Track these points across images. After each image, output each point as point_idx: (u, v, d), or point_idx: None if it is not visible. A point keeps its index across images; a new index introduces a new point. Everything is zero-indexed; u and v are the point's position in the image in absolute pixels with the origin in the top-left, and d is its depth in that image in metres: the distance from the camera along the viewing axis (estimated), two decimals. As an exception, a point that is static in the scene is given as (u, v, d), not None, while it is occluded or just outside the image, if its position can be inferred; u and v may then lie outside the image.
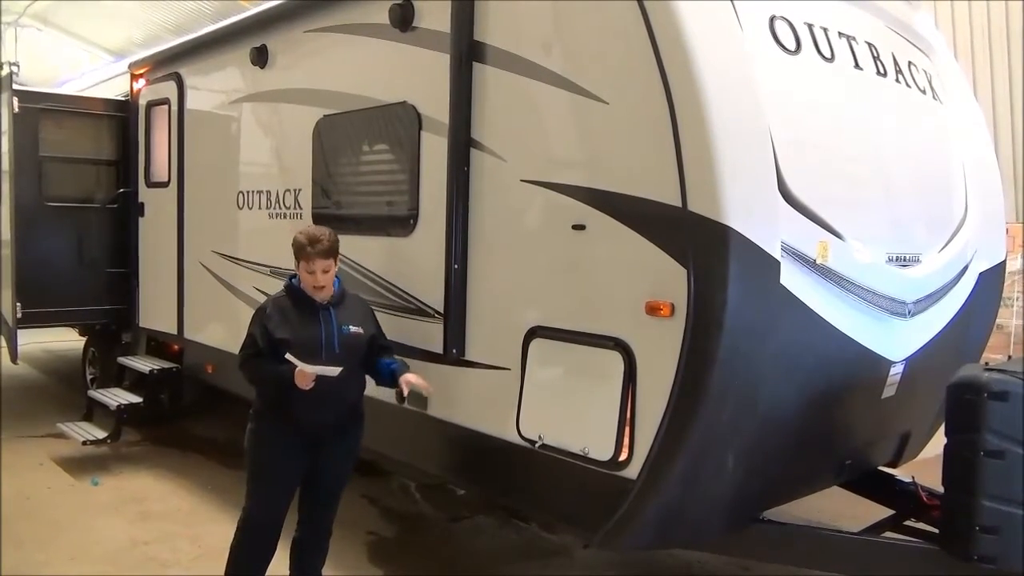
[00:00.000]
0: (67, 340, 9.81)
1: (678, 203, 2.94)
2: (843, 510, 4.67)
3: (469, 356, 3.85)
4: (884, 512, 4.17)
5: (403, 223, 4.21)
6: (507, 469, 3.73)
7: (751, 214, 2.89)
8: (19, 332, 7.05)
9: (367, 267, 4.45)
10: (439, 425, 4.02)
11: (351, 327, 3.61)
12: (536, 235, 3.56)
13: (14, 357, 7.17)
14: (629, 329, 3.11)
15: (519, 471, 3.65)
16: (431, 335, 3.91)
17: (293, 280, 3.67)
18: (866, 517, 4.16)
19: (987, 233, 4.39)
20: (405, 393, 3.61)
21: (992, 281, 4.45)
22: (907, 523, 4.03)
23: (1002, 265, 4.55)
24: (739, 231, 2.84)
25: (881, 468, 4.34)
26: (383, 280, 4.36)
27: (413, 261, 4.19)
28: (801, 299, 3.12)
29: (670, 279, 2.97)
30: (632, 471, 3.13)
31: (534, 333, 3.52)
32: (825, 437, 3.62)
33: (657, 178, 3.02)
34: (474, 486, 4.20)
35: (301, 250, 3.52)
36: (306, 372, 3.34)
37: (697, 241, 2.90)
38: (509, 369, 3.64)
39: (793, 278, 3.07)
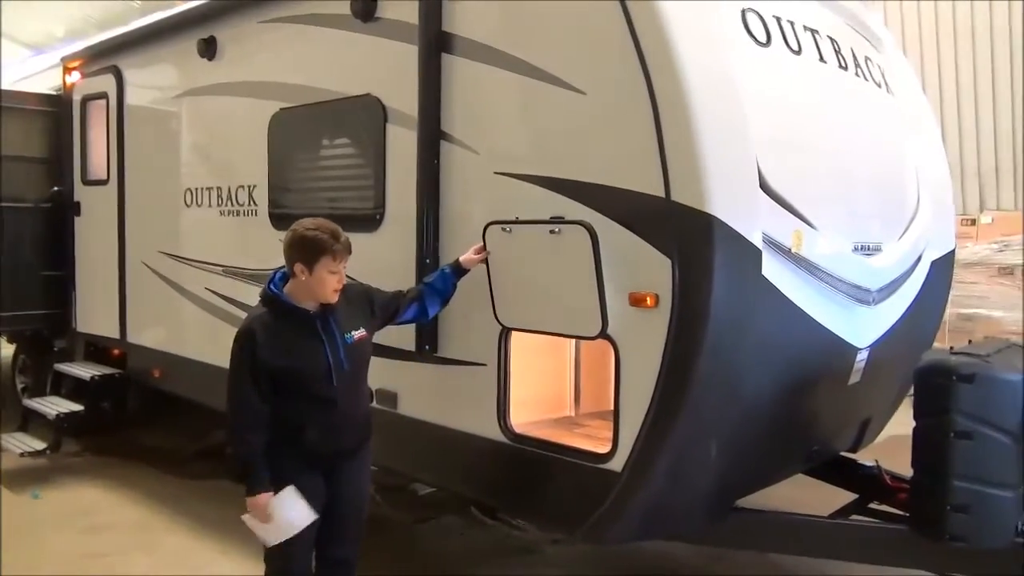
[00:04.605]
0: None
1: (661, 193, 2.93)
2: (797, 496, 4.74)
3: (443, 353, 3.78)
4: (837, 496, 4.23)
5: (369, 218, 4.11)
6: (485, 466, 3.67)
7: (734, 204, 2.91)
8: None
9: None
10: (411, 424, 3.94)
11: (354, 332, 3.11)
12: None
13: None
14: (613, 319, 3.09)
15: (498, 468, 3.60)
16: (403, 332, 3.82)
17: (273, 288, 3.07)
18: (824, 502, 4.24)
19: (938, 223, 4.53)
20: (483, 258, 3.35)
21: (943, 270, 4.60)
22: (871, 506, 4.13)
23: (952, 254, 4.71)
24: (724, 221, 2.85)
25: (842, 454, 4.44)
26: (347, 277, 4.23)
27: (379, 257, 4.08)
28: (779, 288, 3.15)
29: (654, 270, 2.96)
30: (616, 464, 3.12)
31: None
32: (797, 424, 3.67)
33: (639, 168, 3.00)
34: (449, 485, 4.12)
35: (324, 248, 2.95)
36: (263, 510, 2.96)
37: (681, 231, 2.90)
38: (485, 364, 3.59)
39: (771, 267, 3.10)
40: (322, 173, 4.54)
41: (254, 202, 4.96)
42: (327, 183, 4.49)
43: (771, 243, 3.11)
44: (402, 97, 3.89)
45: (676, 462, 3.08)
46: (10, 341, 8.28)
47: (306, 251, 2.99)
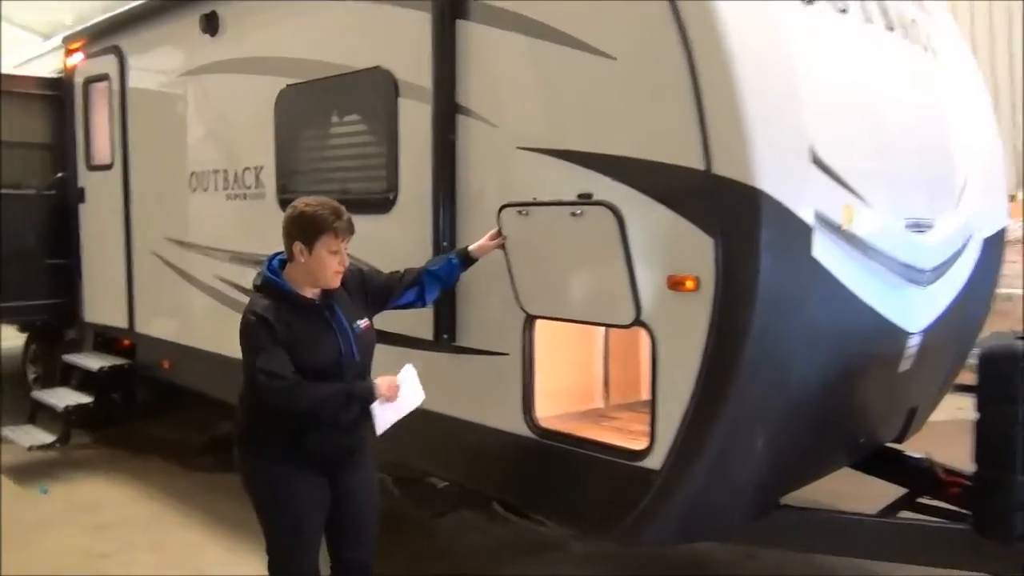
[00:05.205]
0: (8, 338, 9.17)
1: (701, 166, 2.66)
2: (838, 489, 4.47)
3: (462, 341, 3.54)
4: (868, 484, 3.99)
5: (381, 199, 3.87)
6: (509, 464, 3.43)
7: (783, 176, 2.64)
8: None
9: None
10: (429, 417, 3.69)
11: (360, 322, 2.90)
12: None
13: (-54, 359, 6.60)
14: (648, 306, 2.83)
15: (523, 466, 3.37)
16: (419, 320, 3.58)
17: (272, 277, 2.81)
18: (861, 494, 3.98)
19: (989, 198, 4.22)
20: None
21: (994, 248, 4.29)
22: (921, 501, 3.87)
23: (1003, 232, 4.41)
24: (771, 195, 2.58)
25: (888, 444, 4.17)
26: (360, 262, 3.98)
27: (393, 240, 3.85)
28: (828, 268, 2.88)
29: (694, 250, 2.70)
30: (654, 461, 2.87)
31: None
32: (845, 415, 3.41)
33: (675, 139, 2.74)
34: (471, 484, 3.89)
35: (324, 225, 2.73)
36: (395, 387, 2.80)
37: (725, 207, 2.63)
38: (507, 354, 3.35)
39: (821, 245, 2.82)
40: (331, 153, 4.29)
41: (261, 185, 4.72)
42: (336, 163, 4.24)
43: (821, 219, 2.83)
44: (415, 69, 3.63)
45: (719, 459, 2.83)
46: (21, 330, 8.14)
47: (305, 229, 2.77)
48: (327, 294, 2.85)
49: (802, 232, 2.70)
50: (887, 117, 3.51)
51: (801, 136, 2.76)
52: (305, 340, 2.75)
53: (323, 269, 2.78)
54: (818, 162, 2.84)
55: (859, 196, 3.06)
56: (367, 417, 2.87)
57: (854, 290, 3.04)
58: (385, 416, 2.82)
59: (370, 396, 2.78)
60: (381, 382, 2.80)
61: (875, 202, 3.17)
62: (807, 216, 2.71)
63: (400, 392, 2.82)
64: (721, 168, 2.62)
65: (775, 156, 2.63)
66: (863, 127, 3.28)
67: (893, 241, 3.29)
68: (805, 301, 2.78)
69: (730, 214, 2.62)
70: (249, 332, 2.75)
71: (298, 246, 2.77)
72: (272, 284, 2.81)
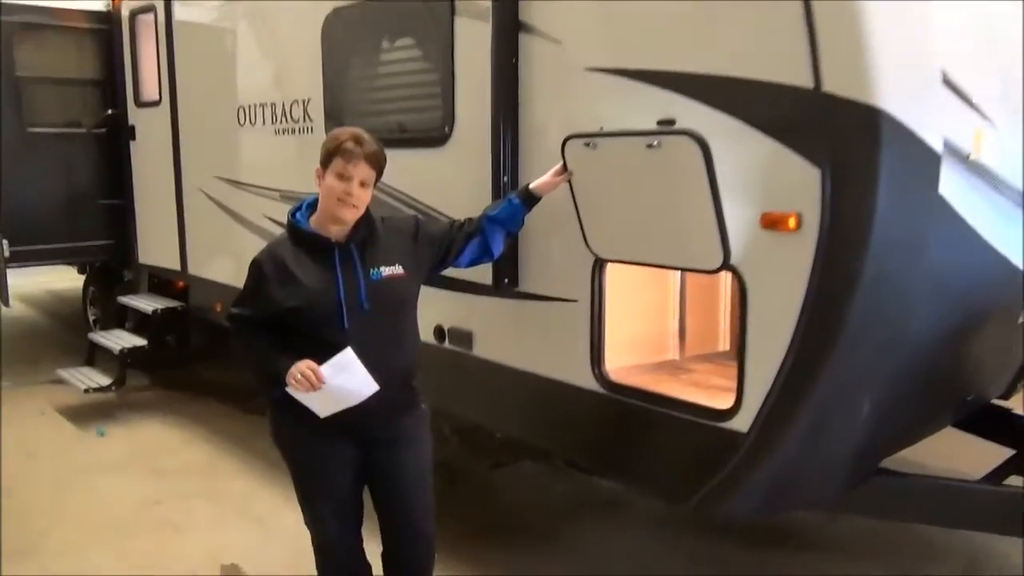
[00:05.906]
0: (72, 279, 9.25)
1: (808, 84, 2.26)
2: (935, 449, 4.09)
3: (525, 287, 3.24)
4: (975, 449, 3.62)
5: (435, 131, 3.55)
6: (575, 420, 3.15)
7: (907, 94, 2.22)
8: (8, 272, 6.45)
9: (392, 185, 3.80)
10: (488, 368, 3.44)
11: (385, 268, 2.61)
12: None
13: (5, 299, 6.59)
14: (738, 247, 2.47)
15: (590, 423, 3.08)
16: (478, 263, 3.29)
17: (297, 216, 2.66)
18: (962, 457, 3.60)
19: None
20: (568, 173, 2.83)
21: None
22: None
23: None
24: (894, 116, 2.18)
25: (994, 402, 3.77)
26: (413, 200, 3.72)
27: (449, 176, 3.55)
28: (953, 205, 2.46)
29: (797, 183, 2.32)
30: (741, 423, 2.55)
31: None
32: (957, 372, 3.03)
33: (776, 52, 2.33)
34: (533, 440, 3.63)
35: (336, 146, 2.52)
36: (311, 376, 2.43)
37: (836, 132, 2.23)
38: (576, 301, 3.04)
39: (948, 178, 2.41)
40: (381, 82, 3.96)
41: (309, 118, 4.44)
42: (387, 93, 3.91)
43: (950, 147, 2.41)
44: (472, -16, 3.27)
45: (816, 424, 2.49)
46: (80, 272, 8.16)
47: (324, 151, 2.59)
48: (354, 235, 2.60)
49: (930, 162, 2.29)
50: (1006, 27, 3.01)
51: (929, 48, 2.33)
52: (302, 282, 2.54)
53: (328, 194, 2.55)
54: (948, 82, 2.40)
55: (989, 120, 2.62)
56: (397, 377, 2.63)
57: (980, 230, 2.62)
58: (319, 403, 2.52)
59: (278, 379, 2.49)
60: (294, 368, 2.44)
61: (1005, 126, 2.72)
62: (935, 143, 2.30)
63: (332, 380, 2.46)
64: (833, 85, 2.21)
65: (899, 70, 2.21)
66: (985, 38, 2.79)
67: (1021, 171, 2.84)
68: (927, 245, 2.38)
69: (843, 140, 2.23)
70: (247, 271, 2.69)
71: (318, 170, 2.60)
72: (289, 222, 2.66)
